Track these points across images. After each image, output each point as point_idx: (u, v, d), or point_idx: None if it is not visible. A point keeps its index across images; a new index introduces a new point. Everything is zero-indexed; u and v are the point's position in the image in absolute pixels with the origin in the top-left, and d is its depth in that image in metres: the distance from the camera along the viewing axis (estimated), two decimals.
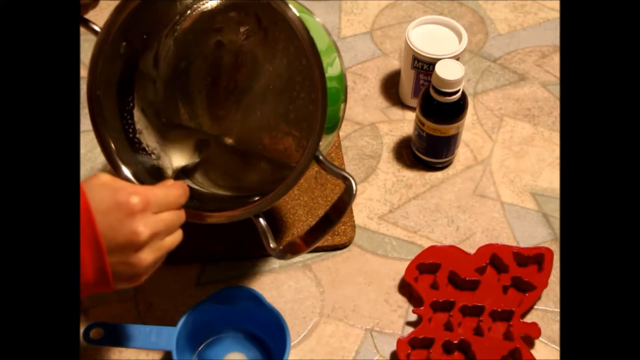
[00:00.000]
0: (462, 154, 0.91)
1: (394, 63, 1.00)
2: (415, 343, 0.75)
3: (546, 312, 0.79)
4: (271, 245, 0.67)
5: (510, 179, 0.89)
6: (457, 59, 0.87)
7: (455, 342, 0.75)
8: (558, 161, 0.90)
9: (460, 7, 1.06)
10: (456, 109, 0.84)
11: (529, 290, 0.78)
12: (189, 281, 0.81)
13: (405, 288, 0.80)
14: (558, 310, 0.79)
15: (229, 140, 0.79)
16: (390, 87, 0.97)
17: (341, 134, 0.92)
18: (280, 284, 0.81)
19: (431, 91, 0.83)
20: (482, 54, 1.01)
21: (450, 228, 0.85)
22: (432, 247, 0.81)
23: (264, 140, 0.77)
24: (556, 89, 0.98)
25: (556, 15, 1.06)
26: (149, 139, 0.76)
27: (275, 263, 0.82)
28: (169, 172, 0.76)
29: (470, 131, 0.93)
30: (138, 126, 0.75)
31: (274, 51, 0.76)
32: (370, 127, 0.94)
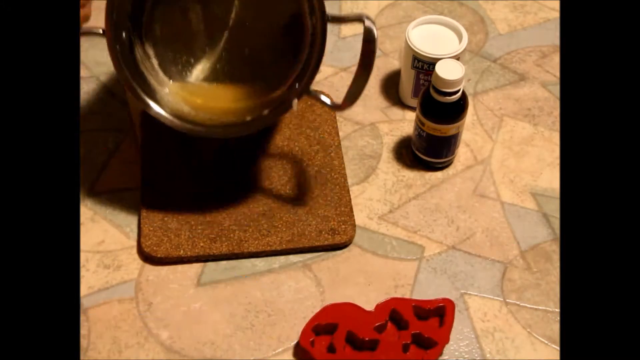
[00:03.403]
0: (462, 154, 0.91)
1: (394, 63, 1.00)
2: None
3: (546, 312, 0.79)
4: (329, 103, 0.78)
5: (510, 179, 0.89)
6: (457, 59, 0.87)
7: None
8: (558, 161, 0.90)
9: (460, 7, 1.06)
10: (456, 109, 0.84)
11: (430, 347, 0.75)
12: (189, 281, 0.81)
13: (300, 354, 0.76)
14: (558, 310, 0.79)
15: (226, 70, 0.82)
16: (390, 87, 0.97)
17: (341, 134, 0.92)
18: (280, 284, 0.81)
19: (431, 91, 0.83)
20: (482, 54, 1.01)
21: (450, 228, 0.85)
22: (328, 306, 0.77)
23: (258, 59, 0.82)
24: (556, 89, 0.97)
25: (556, 15, 1.06)
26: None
27: (275, 263, 0.82)
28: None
29: (470, 131, 0.93)
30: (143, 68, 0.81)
31: None
32: (370, 127, 0.94)
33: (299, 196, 0.86)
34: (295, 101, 0.77)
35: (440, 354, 0.75)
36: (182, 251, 0.81)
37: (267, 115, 0.80)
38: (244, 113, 0.81)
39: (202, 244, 0.82)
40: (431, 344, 0.75)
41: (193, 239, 0.82)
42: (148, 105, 0.80)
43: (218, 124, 0.81)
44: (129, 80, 0.79)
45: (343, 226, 0.83)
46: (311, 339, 0.75)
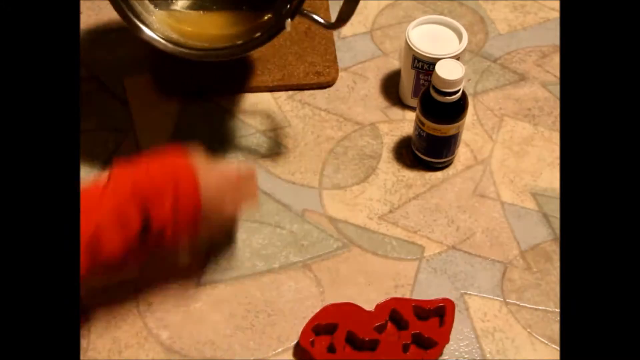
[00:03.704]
0: (462, 154, 0.91)
1: (394, 63, 1.00)
2: None
3: (546, 312, 0.79)
4: (322, 22, 0.80)
5: (510, 179, 0.89)
6: (458, 59, 0.87)
7: None
8: (558, 161, 0.90)
9: (460, 7, 1.06)
10: (456, 109, 0.84)
11: (430, 347, 0.75)
12: (189, 281, 0.81)
13: (300, 354, 0.76)
14: (558, 310, 0.79)
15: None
16: (390, 87, 0.97)
17: (341, 133, 0.93)
18: (280, 284, 0.81)
19: (431, 91, 0.83)
20: (482, 54, 1.01)
21: (451, 228, 0.85)
22: (328, 306, 0.77)
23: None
24: (556, 89, 0.97)
25: (556, 15, 1.06)
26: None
27: (275, 263, 0.82)
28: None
29: (470, 131, 0.93)
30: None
31: None
32: (370, 127, 0.94)
33: (290, 46, 0.97)
34: (289, 21, 0.78)
35: (441, 354, 0.75)
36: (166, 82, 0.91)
37: (260, 37, 0.80)
38: (233, 39, 0.82)
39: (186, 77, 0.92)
40: (431, 344, 0.75)
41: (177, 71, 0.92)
42: (140, 30, 0.80)
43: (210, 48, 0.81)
44: (119, 3, 0.79)
45: (327, 70, 0.96)
46: (311, 339, 0.75)
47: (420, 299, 0.78)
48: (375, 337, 0.75)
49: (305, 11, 0.79)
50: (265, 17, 0.82)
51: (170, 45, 0.80)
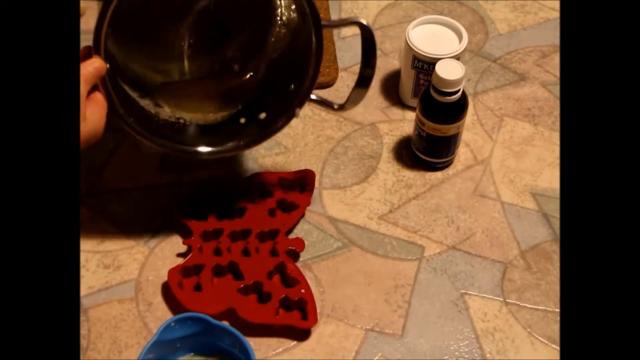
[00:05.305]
0: (462, 154, 0.91)
1: (394, 63, 1.00)
2: (188, 272, 0.78)
3: (546, 312, 0.79)
4: (334, 107, 0.81)
5: (511, 179, 0.89)
6: (457, 59, 0.87)
7: (224, 265, 0.79)
8: (558, 161, 0.90)
9: (460, 7, 1.06)
10: (456, 109, 0.84)
11: (293, 209, 0.83)
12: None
13: (175, 225, 0.84)
14: (558, 310, 0.79)
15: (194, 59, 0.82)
16: (390, 87, 0.97)
17: (341, 133, 0.93)
18: None
19: (431, 91, 0.83)
20: (482, 54, 1.01)
21: (451, 228, 0.85)
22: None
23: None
24: (556, 89, 0.98)
25: (556, 15, 1.06)
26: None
27: None
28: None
29: (470, 131, 0.93)
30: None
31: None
32: (370, 127, 0.94)
33: None
34: (298, 110, 0.79)
35: (302, 215, 0.84)
36: None
37: (275, 128, 0.80)
38: (216, 108, 0.82)
39: None
40: (294, 207, 0.83)
41: None
42: (199, 153, 0.79)
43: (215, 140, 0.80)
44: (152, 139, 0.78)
45: (327, 70, 0.97)
46: (185, 214, 0.83)
47: (284, 171, 0.87)
48: (242, 206, 0.83)
49: (314, 97, 0.80)
50: (248, 75, 0.82)
51: (228, 149, 0.80)
